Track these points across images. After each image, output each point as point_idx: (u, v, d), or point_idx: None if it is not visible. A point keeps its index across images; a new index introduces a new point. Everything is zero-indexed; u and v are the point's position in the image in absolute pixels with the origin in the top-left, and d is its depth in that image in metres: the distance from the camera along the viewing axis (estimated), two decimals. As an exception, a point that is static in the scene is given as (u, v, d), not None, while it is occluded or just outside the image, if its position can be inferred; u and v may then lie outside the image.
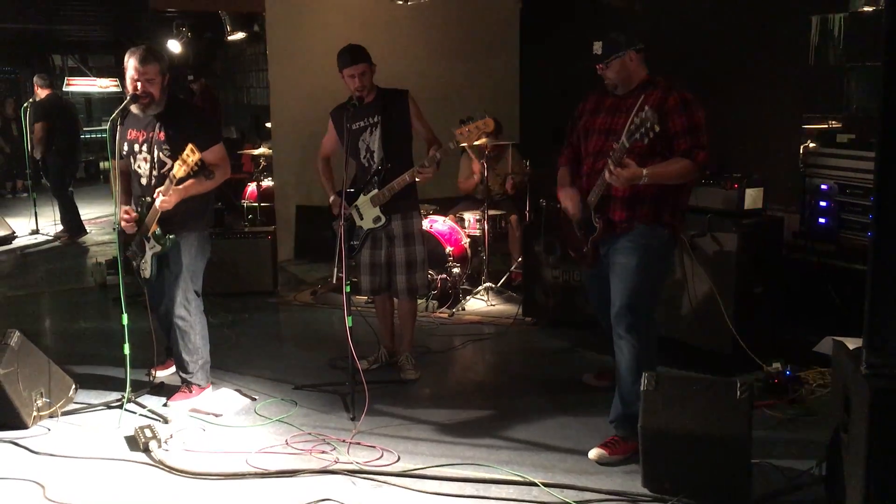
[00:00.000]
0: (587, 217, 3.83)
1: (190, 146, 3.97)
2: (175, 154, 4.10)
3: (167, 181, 4.07)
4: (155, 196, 4.11)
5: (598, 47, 3.79)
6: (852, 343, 3.03)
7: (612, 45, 3.75)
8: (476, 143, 6.18)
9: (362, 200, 4.64)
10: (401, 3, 6.50)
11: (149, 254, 4.29)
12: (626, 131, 3.42)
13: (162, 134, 4.18)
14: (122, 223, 4.21)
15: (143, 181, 4.29)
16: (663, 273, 3.91)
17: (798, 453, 3.67)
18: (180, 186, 4.11)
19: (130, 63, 4.14)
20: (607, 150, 3.64)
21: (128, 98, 4.16)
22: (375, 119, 4.60)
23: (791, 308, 4.90)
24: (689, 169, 3.58)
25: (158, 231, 4.19)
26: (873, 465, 2.65)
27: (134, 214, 4.24)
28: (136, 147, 4.27)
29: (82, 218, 9.65)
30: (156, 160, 4.20)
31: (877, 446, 2.64)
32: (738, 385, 3.24)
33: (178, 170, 4.01)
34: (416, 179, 4.57)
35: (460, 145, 4.55)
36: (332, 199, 4.70)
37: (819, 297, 4.87)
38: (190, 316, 4.35)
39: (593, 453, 3.69)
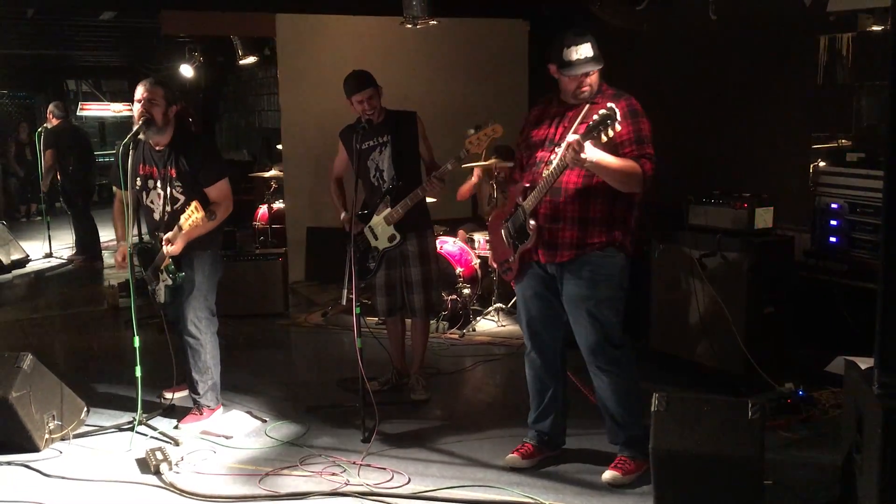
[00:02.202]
0: (520, 224, 3.64)
1: (195, 203, 4.06)
2: (186, 189, 4.25)
3: (175, 229, 4.15)
4: (164, 242, 4.20)
5: (588, 49, 3.47)
6: (864, 363, 3.02)
7: (597, 45, 3.50)
8: (485, 163, 6.23)
9: (376, 220, 4.66)
10: (410, 25, 6.54)
11: (161, 283, 4.37)
12: (585, 129, 3.27)
13: (174, 171, 4.27)
14: (116, 264, 4.39)
15: (156, 216, 4.38)
16: (624, 298, 3.68)
17: (811, 474, 3.65)
18: (185, 231, 4.17)
19: (139, 88, 4.25)
20: (546, 159, 3.53)
21: (137, 125, 4.21)
22: (385, 138, 4.63)
23: (802, 328, 4.88)
24: (636, 174, 3.41)
25: (172, 266, 4.28)
26: (887, 486, 2.64)
27: (124, 261, 4.38)
28: (151, 183, 4.36)
29: (94, 241, 9.71)
30: (168, 197, 4.30)
31: (890, 466, 2.62)
32: (750, 405, 3.22)
33: (185, 222, 4.10)
34: (428, 190, 4.55)
35: (468, 157, 4.51)
36: (343, 215, 4.72)
37: (831, 316, 4.84)
38: (200, 334, 4.38)
39: (607, 476, 3.66)
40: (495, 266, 3.91)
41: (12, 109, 15.75)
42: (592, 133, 3.25)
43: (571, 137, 3.29)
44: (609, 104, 3.24)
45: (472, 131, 4.37)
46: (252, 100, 14.12)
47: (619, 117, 3.22)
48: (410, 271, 4.70)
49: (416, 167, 4.74)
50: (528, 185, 3.63)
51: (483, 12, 8.17)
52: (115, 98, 16.78)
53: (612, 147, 3.41)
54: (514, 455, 3.87)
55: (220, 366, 4.52)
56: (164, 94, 4.24)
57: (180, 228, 4.12)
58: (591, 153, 3.27)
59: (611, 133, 3.24)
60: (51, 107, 9.51)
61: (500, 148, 6.51)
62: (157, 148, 4.31)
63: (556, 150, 3.48)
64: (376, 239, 4.69)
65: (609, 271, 3.57)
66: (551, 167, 3.46)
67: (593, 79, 3.54)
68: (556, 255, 3.59)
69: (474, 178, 6.85)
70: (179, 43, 11.13)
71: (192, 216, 4.05)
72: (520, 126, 3.89)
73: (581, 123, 3.47)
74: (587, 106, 3.52)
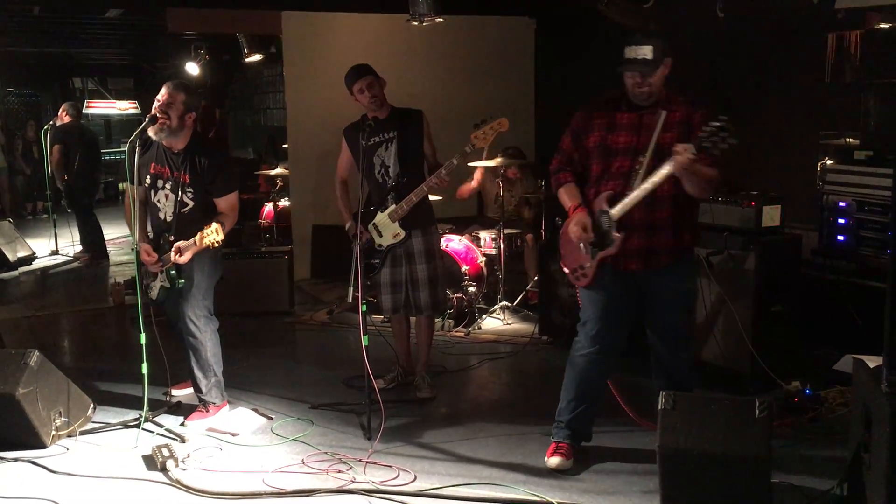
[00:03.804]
0: (604, 231, 3.62)
1: (216, 226, 4.09)
2: (197, 195, 4.28)
3: (189, 242, 4.15)
4: (174, 248, 4.20)
5: (647, 52, 3.47)
6: (872, 361, 3.02)
7: (661, 49, 3.48)
8: (490, 163, 6.22)
9: (380, 217, 4.66)
10: (416, 23, 6.54)
11: (158, 282, 4.39)
12: (700, 138, 3.27)
13: (187, 177, 4.29)
14: (144, 261, 4.34)
15: (162, 216, 4.38)
16: None
17: (819, 473, 3.63)
18: (196, 245, 4.18)
19: (162, 89, 4.29)
20: (626, 170, 3.56)
21: (146, 120, 4.23)
22: (391, 134, 4.62)
23: (810, 326, 4.86)
24: (716, 181, 3.52)
25: (173, 271, 4.29)
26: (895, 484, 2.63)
27: (154, 255, 4.33)
28: (160, 182, 4.37)
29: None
30: (178, 201, 4.31)
31: (899, 465, 2.61)
32: (758, 404, 3.22)
33: (202, 239, 4.11)
34: (433, 185, 4.52)
35: (474, 151, 4.49)
36: (348, 225, 4.70)
37: (838, 315, 4.83)
38: (200, 333, 4.38)
39: None
40: (567, 272, 3.91)
41: (19, 107, 15.79)
42: (705, 143, 3.26)
43: (682, 146, 3.31)
44: (722, 116, 3.26)
45: (477, 125, 4.35)
46: (258, 98, 14.14)
47: (734, 131, 3.26)
48: (416, 268, 4.70)
49: (421, 165, 4.73)
50: (613, 192, 3.60)
51: (489, 10, 8.16)
52: (120, 96, 16.81)
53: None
54: (560, 458, 3.80)
55: (222, 363, 4.52)
56: (184, 100, 4.25)
57: (195, 243, 4.13)
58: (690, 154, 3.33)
59: (725, 147, 3.27)
60: (66, 105, 9.56)
61: (508, 148, 6.51)
62: (173, 151, 4.32)
63: (642, 159, 3.51)
64: (380, 236, 4.68)
65: (693, 267, 3.91)
66: (653, 177, 3.44)
67: (652, 82, 3.52)
68: (654, 261, 3.64)
69: (474, 183, 6.83)
70: (185, 41, 11.15)
71: (210, 237, 4.07)
72: (526, 124, 3.88)
73: (665, 132, 3.50)
74: (663, 113, 3.53)
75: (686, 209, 3.66)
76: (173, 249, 4.20)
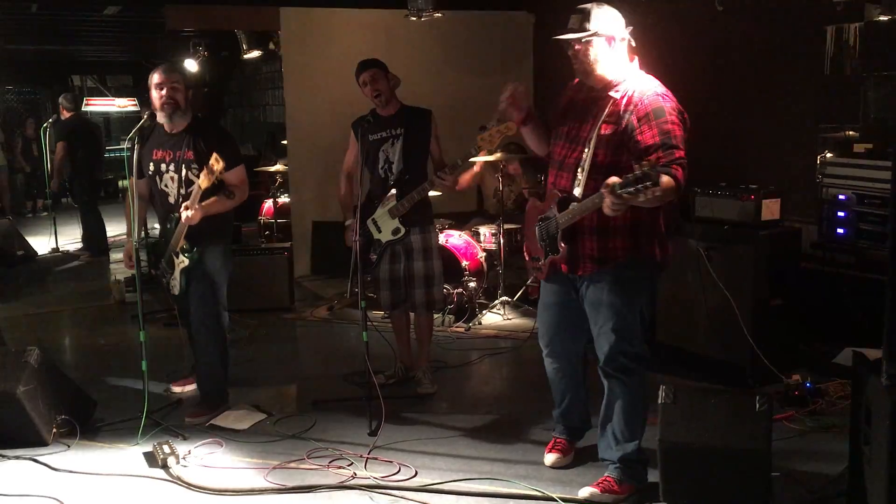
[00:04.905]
0: (553, 235, 3.42)
1: (214, 155, 4.05)
2: (202, 171, 4.21)
3: (193, 191, 4.14)
4: (182, 207, 4.17)
5: (575, 21, 3.23)
6: (872, 354, 3.01)
7: (597, 22, 3.21)
8: (490, 157, 6.21)
9: (380, 213, 4.66)
10: (414, 18, 6.54)
11: (178, 269, 4.34)
12: (623, 181, 2.85)
13: (190, 153, 4.28)
14: (124, 263, 4.41)
15: (171, 199, 4.36)
16: (649, 306, 3.46)
17: (819, 466, 3.64)
18: (204, 203, 4.17)
19: (155, 76, 4.28)
20: (571, 162, 3.32)
21: (145, 117, 4.25)
22: (399, 131, 4.63)
23: (810, 319, 4.86)
24: (671, 189, 2.99)
25: (186, 245, 4.26)
26: None
27: (130, 261, 4.43)
28: (164, 167, 4.35)
29: (100, 236, 9.73)
30: (183, 179, 4.30)
31: (899, 458, 2.61)
32: (758, 397, 3.22)
33: (203, 179, 4.07)
34: (438, 183, 4.55)
35: (480, 151, 4.49)
36: (347, 223, 4.69)
37: (838, 308, 4.83)
38: (209, 329, 4.38)
39: (585, 492, 3.45)
40: (527, 258, 3.73)
41: (18, 105, 15.80)
42: (629, 190, 2.83)
43: (608, 185, 2.88)
44: (644, 163, 2.85)
45: (483, 127, 4.34)
46: (256, 94, 14.14)
47: (657, 180, 2.82)
48: (413, 265, 4.70)
49: (424, 164, 4.74)
50: (564, 194, 3.35)
51: (488, 5, 8.16)
52: (119, 93, 16.79)
53: (637, 152, 3.14)
54: (556, 454, 3.77)
55: (228, 360, 4.52)
56: (181, 79, 4.31)
57: (199, 187, 4.11)
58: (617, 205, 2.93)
59: (649, 195, 2.82)
60: (60, 99, 9.54)
61: (509, 143, 6.50)
62: (174, 132, 4.32)
63: (585, 149, 3.25)
64: (379, 231, 4.69)
65: (633, 276, 3.34)
66: (587, 203, 3.16)
67: (589, 59, 3.24)
68: (577, 266, 3.39)
69: (476, 168, 6.83)
70: (184, 37, 11.15)
71: (214, 167, 4.01)
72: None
73: (603, 122, 3.23)
74: (611, 101, 3.24)
75: (614, 217, 3.13)
76: (182, 208, 4.15)
